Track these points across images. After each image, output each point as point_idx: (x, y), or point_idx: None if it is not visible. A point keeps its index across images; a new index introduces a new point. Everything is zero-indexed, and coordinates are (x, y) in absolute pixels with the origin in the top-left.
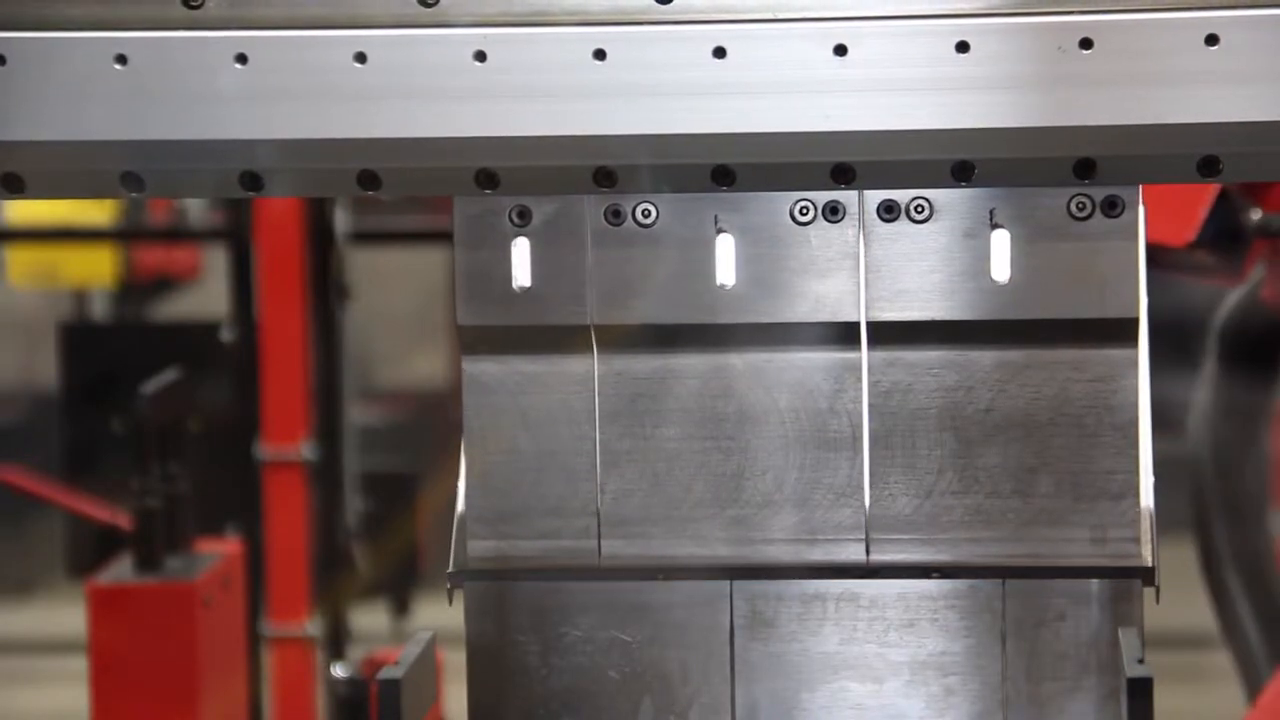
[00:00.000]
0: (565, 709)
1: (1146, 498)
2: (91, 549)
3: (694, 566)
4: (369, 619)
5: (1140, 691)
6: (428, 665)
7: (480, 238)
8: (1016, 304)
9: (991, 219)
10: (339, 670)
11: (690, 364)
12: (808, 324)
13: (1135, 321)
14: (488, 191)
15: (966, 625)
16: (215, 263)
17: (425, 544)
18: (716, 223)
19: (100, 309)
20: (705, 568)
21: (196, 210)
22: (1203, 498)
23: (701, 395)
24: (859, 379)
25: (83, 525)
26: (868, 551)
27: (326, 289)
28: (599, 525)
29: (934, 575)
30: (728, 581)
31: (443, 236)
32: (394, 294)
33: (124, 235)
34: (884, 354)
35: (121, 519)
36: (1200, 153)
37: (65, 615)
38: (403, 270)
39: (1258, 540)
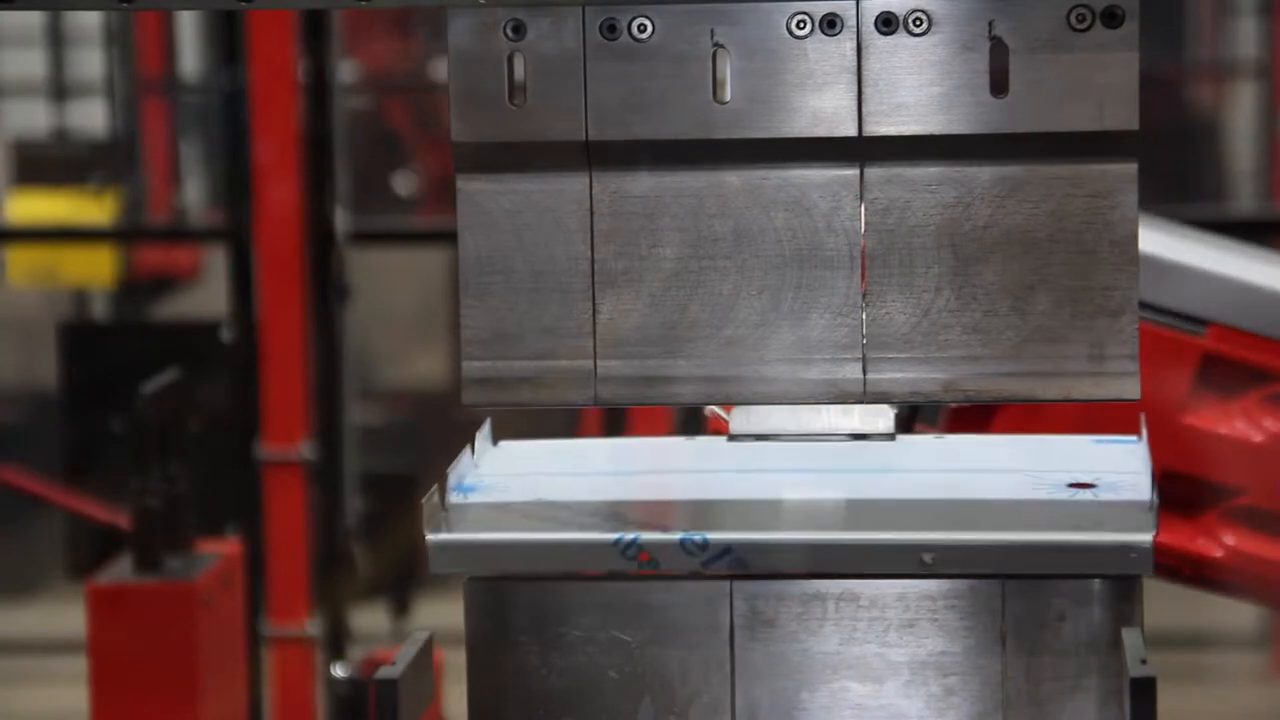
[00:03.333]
0: (565, 709)
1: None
2: (91, 549)
3: (688, 388)
4: (369, 619)
5: (1144, 691)
6: (425, 665)
7: (475, 54)
8: (1015, 117)
9: (990, 31)
10: (339, 670)
11: (686, 182)
12: (804, 139)
13: (1134, 134)
14: (482, 1)
15: (966, 625)
16: (215, 263)
17: (425, 544)
18: (713, 37)
19: (100, 309)
20: (702, 381)
21: (196, 210)
22: None
23: (698, 214)
24: (856, 196)
25: (83, 525)
26: (865, 371)
27: (326, 289)
28: (595, 345)
29: (928, 562)
30: (728, 582)
31: (443, 236)
32: (394, 294)
33: (124, 235)
34: (882, 170)
35: (121, 519)
36: None
37: (65, 615)
38: (403, 270)
39: None
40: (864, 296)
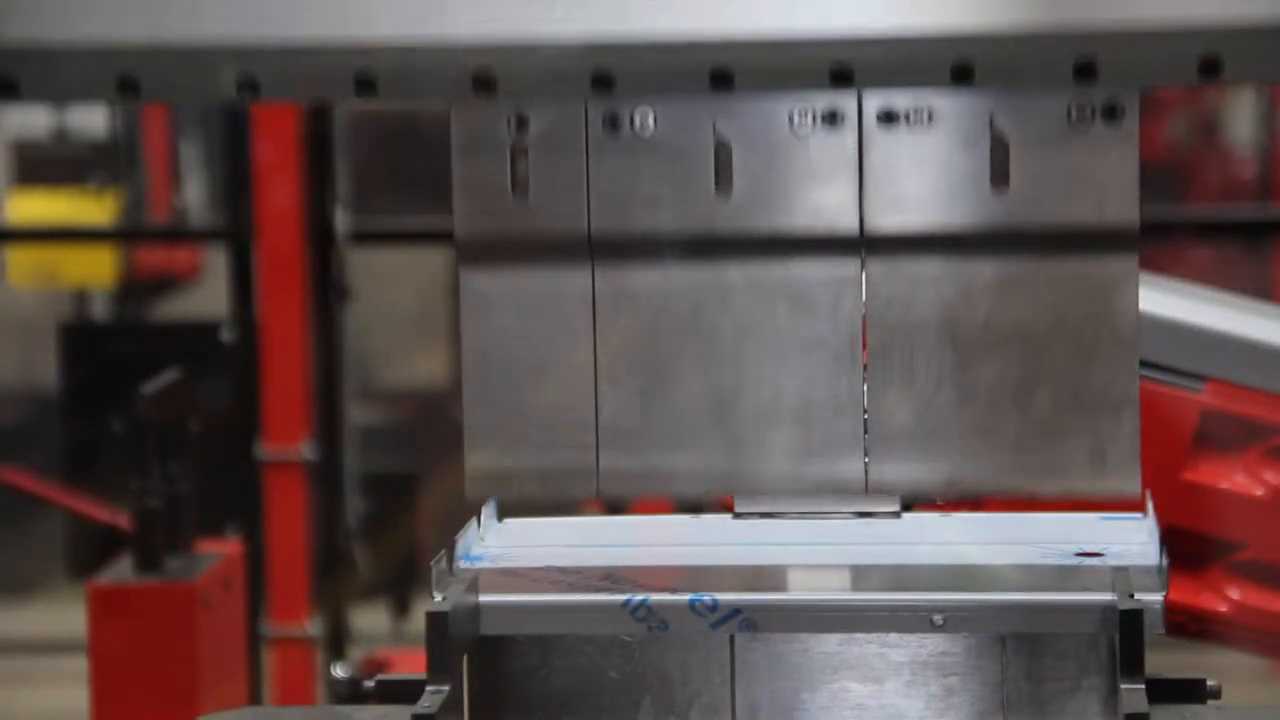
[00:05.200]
0: (565, 709)
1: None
2: (91, 549)
3: (690, 481)
4: (369, 619)
5: (1132, 623)
6: (471, 600)
7: (479, 147)
8: (1016, 212)
9: (991, 127)
10: (339, 670)
11: (688, 275)
12: (806, 234)
13: (1134, 230)
14: (485, 97)
15: None
16: (215, 263)
17: (425, 544)
18: (715, 131)
19: (100, 309)
20: (703, 482)
21: (197, 210)
22: None
23: (699, 307)
24: (858, 291)
25: (83, 525)
26: (866, 465)
27: (326, 289)
28: (597, 439)
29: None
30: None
31: (443, 236)
32: (394, 294)
33: (124, 235)
34: (883, 265)
35: (121, 519)
36: (1201, 53)
37: (65, 615)
38: (403, 270)
39: None
40: (865, 390)
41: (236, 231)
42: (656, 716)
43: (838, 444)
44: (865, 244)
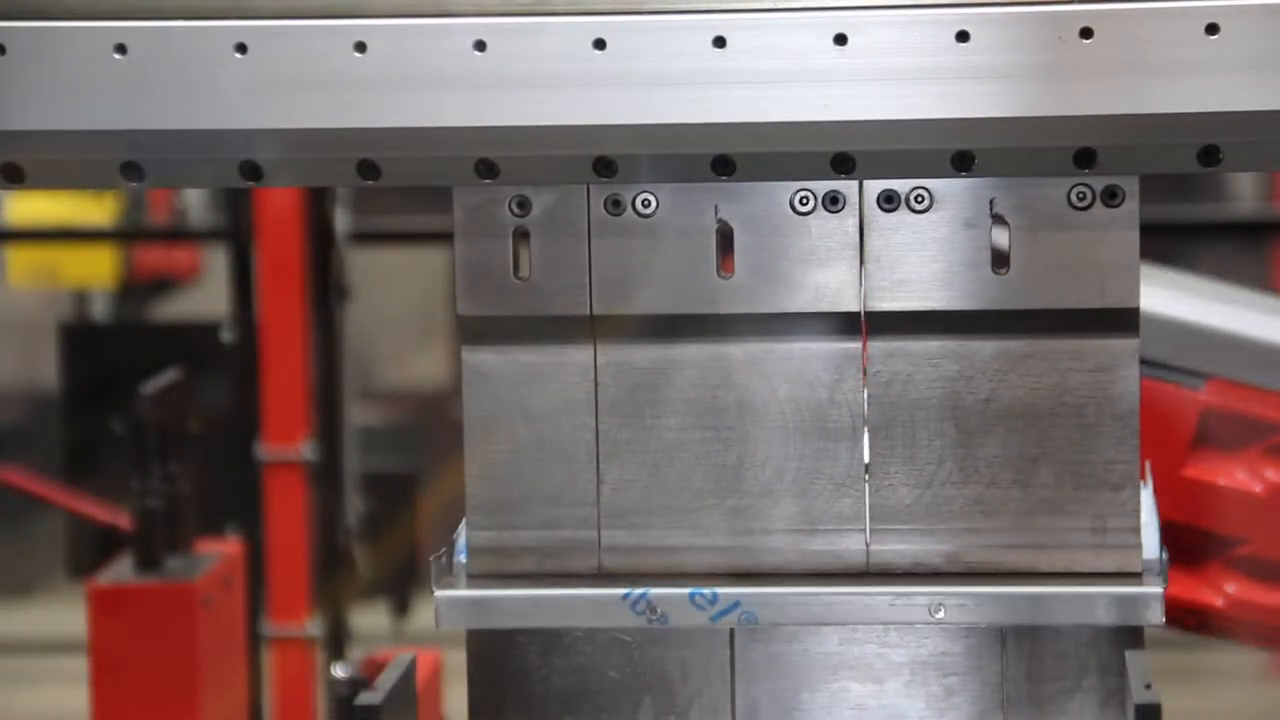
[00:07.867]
0: (565, 709)
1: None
2: (91, 549)
3: (692, 557)
4: (369, 619)
5: (1148, 718)
6: (408, 689)
7: (480, 228)
8: (1017, 294)
9: (991, 209)
10: (339, 670)
11: (690, 354)
12: (808, 314)
13: (1135, 311)
14: (487, 181)
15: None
16: (215, 263)
17: (425, 544)
18: (716, 213)
19: (100, 309)
20: (704, 563)
21: (197, 210)
22: None
23: (701, 385)
24: (859, 369)
25: (83, 525)
26: (868, 542)
27: (326, 289)
28: (599, 515)
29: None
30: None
31: (443, 236)
32: (394, 294)
33: (124, 235)
34: (884, 344)
35: (121, 519)
36: (1200, 142)
37: (65, 615)
38: (403, 270)
39: None
40: (867, 468)
41: (236, 231)
42: (656, 716)
43: (839, 520)
44: (866, 324)
